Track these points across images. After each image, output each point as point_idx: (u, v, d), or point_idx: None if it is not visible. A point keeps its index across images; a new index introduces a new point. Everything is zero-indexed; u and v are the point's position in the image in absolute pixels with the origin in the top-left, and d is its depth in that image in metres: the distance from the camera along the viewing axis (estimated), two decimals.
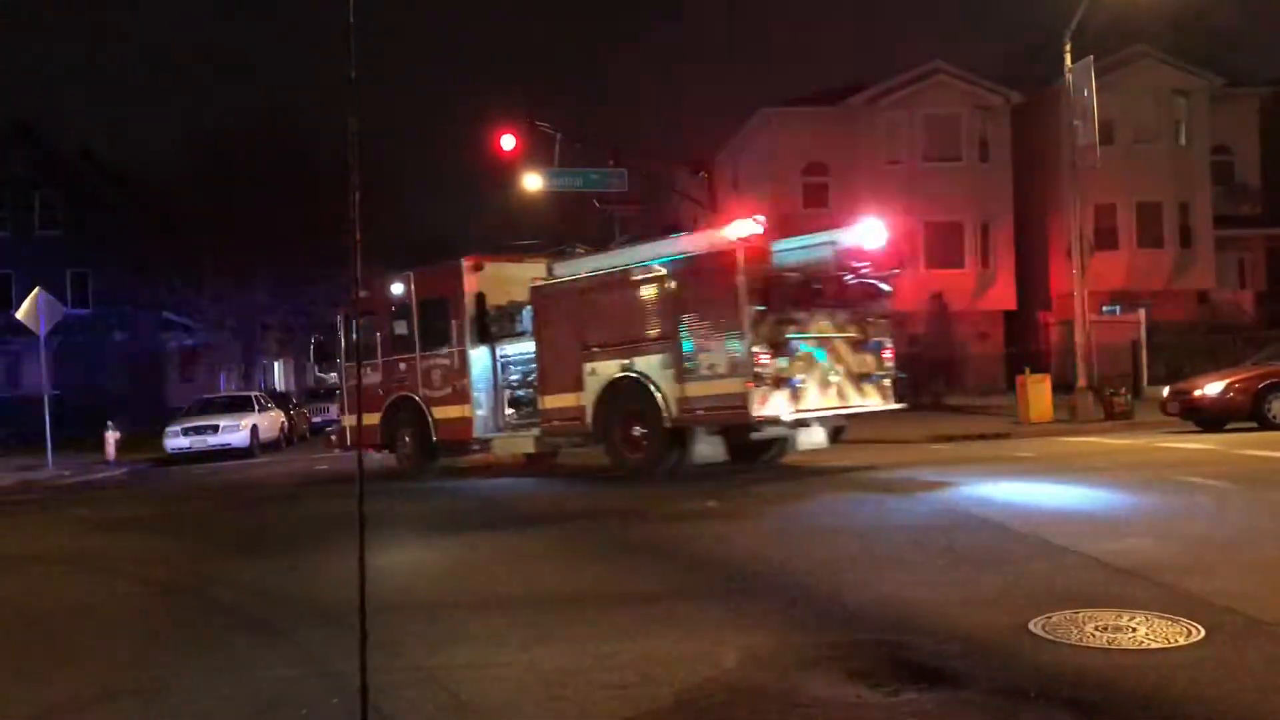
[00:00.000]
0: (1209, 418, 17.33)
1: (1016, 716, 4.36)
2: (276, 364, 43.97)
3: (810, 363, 12.85)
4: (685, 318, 12.97)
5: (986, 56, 62.11)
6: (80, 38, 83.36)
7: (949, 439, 18.73)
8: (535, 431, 15.31)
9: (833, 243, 13.81)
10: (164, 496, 17.77)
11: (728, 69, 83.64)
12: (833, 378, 13.07)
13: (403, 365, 16.84)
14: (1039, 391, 20.83)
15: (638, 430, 13.64)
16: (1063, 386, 21.79)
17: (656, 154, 38.27)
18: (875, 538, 8.70)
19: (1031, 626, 5.50)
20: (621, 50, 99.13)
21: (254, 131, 36.50)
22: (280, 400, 31.80)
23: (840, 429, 14.06)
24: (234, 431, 25.48)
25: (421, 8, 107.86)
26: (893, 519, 9.78)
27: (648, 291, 13.46)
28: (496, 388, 15.95)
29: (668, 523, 10.24)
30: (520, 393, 15.90)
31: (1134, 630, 5.39)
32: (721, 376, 12.59)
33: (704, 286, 12.86)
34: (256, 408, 27.42)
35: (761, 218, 13.19)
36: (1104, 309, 30.27)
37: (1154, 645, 5.16)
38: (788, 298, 12.63)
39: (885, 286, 13.52)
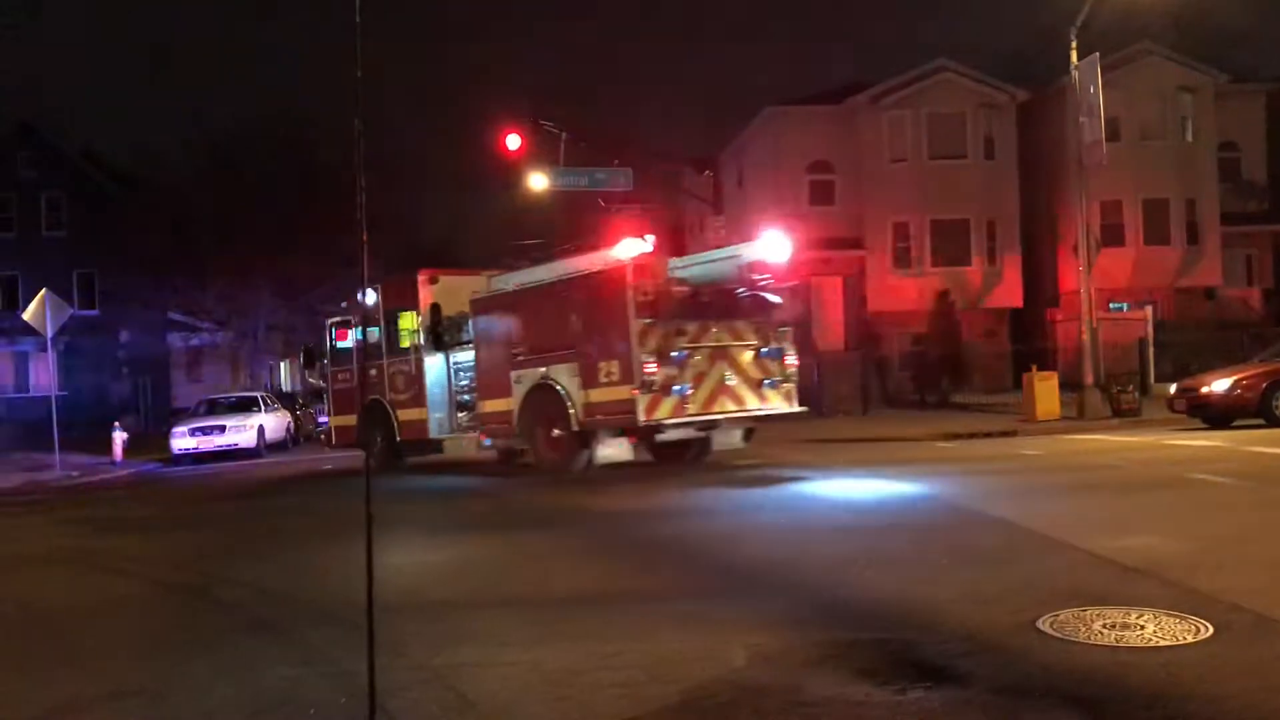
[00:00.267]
0: (1216, 414, 17.27)
1: (1023, 714, 4.34)
2: (282, 364, 43.97)
3: (702, 370, 13.71)
4: (588, 329, 14.10)
5: (992, 55, 61.98)
6: (82, 38, 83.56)
7: (955, 437, 18.71)
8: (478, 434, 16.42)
9: (737, 256, 14.58)
10: (170, 497, 17.79)
11: (731, 68, 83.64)
12: (730, 383, 13.90)
13: (373, 370, 18.10)
14: (1046, 389, 20.78)
15: (556, 432, 14.68)
16: (1070, 384, 21.74)
17: (661, 153, 38.30)
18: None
19: (1039, 625, 5.49)
20: (624, 50, 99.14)
21: (260, 131, 36.52)
22: (286, 400, 31.82)
23: (750, 430, 14.91)
24: (240, 432, 25.50)
25: (429, 8, 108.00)
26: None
27: (559, 305, 14.61)
28: (450, 392, 17.07)
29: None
30: (467, 397, 16.95)
31: (1142, 628, 5.37)
32: (616, 384, 13.59)
33: (601, 301, 13.95)
34: (263, 408, 27.42)
35: (651, 237, 14.55)
36: (1111, 306, 30.21)
37: (1162, 643, 5.14)
38: (677, 310, 13.57)
39: (774, 298, 14.28)
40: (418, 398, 17.06)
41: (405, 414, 17.38)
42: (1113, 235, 30.45)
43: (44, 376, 34.79)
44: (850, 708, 4.50)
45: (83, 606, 7.76)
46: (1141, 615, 5.56)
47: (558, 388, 14.41)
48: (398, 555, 8.67)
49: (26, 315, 23.62)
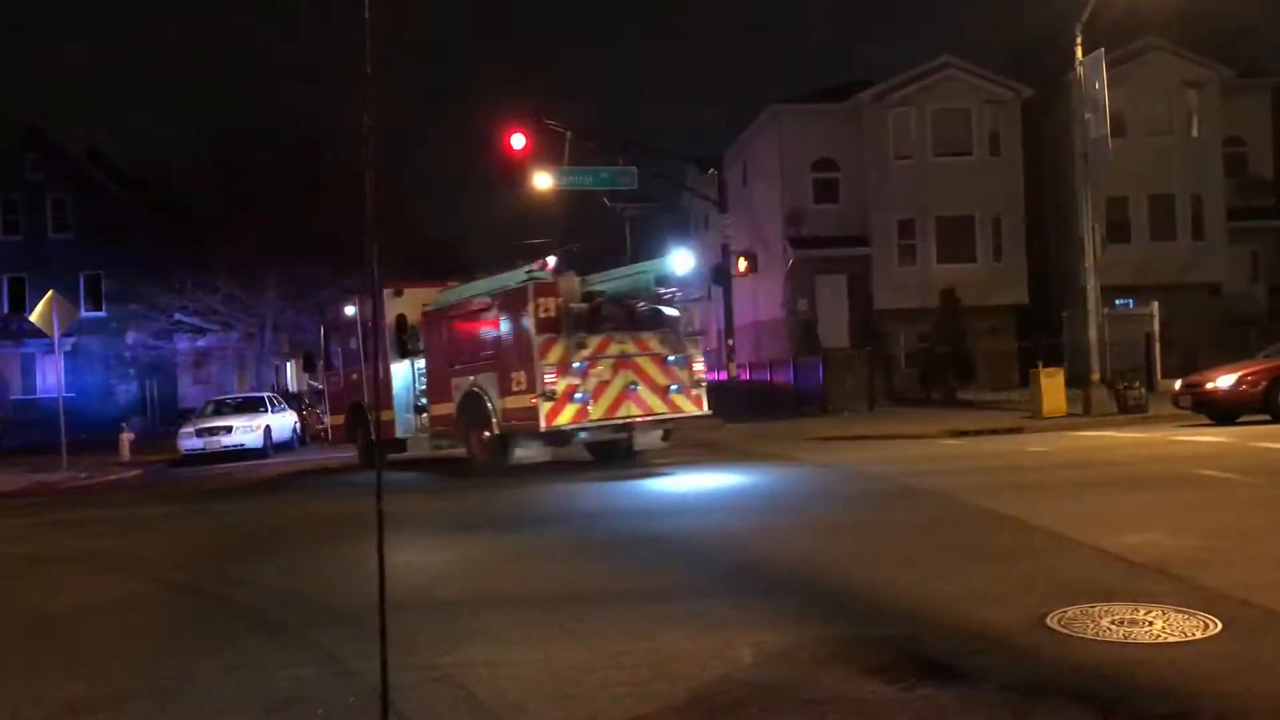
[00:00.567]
0: (1221, 410, 17.22)
1: (1032, 711, 4.34)
2: (288, 365, 43.98)
3: (605, 379, 14.74)
4: (503, 343, 15.41)
5: (996, 52, 61.96)
6: (86, 38, 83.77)
7: (961, 434, 18.68)
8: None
9: (648, 272, 15.78)
10: (178, 497, 17.80)
11: (735, 66, 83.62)
12: (635, 390, 14.88)
13: (355, 375, 19.75)
14: (1053, 386, 20.73)
15: (485, 435, 15.90)
16: (1076, 380, 21.69)
17: (666, 152, 38.27)
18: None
19: (1048, 621, 5.48)
20: (629, 49, 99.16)
21: (265, 133, 36.55)
22: (292, 400, 31.86)
23: (669, 432, 15.97)
24: (247, 432, 25.54)
25: (431, 7, 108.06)
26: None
27: (484, 319, 15.99)
28: (413, 396, 18.31)
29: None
30: (424, 400, 18.14)
31: (1150, 624, 5.36)
32: (524, 392, 14.81)
33: (510, 317, 15.26)
34: (269, 408, 27.46)
35: (553, 259, 15.90)
36: (1117, 303, 30.12)
37: (1171, 639, 5.13)
38: (581, 325, 14.61)
39: (671, 311, 15.05)
40: (385, 400, 18.17)
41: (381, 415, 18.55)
42: (1118, 231, 30.34)
43: (51, 378, 34.84)
44: (858, 705, 4.50)
45: (91, 607, 7.78)
46: (1150, 611, 5.55)
47: (483, 395, 15.75)
48: (403, 554, 8.70)
49: (33, 317, 23.67)
